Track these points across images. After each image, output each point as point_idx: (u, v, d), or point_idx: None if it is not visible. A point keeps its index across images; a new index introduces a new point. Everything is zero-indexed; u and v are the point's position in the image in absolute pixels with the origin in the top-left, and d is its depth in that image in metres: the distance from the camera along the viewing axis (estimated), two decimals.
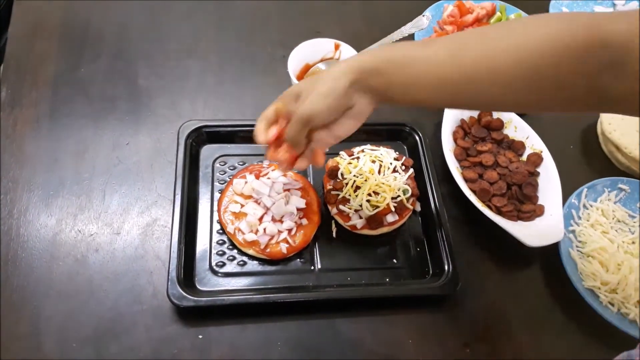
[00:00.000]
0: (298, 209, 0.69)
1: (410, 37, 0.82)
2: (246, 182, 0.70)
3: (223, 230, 0.68)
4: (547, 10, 1.03)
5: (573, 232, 0.74)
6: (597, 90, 0.43)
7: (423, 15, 0.80)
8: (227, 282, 0.65)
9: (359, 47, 0.82)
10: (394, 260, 0.70)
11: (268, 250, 0.66)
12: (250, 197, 0.69)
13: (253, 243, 0.66)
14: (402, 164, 0.74)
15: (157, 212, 0.70)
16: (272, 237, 0.66)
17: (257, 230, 0.66)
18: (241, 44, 0.90)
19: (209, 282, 0.64)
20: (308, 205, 0.70)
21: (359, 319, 0.65)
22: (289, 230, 0.67)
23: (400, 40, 0.79)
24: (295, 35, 0.89)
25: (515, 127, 0.81)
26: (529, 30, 0.45)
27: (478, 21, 0.97)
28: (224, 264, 0.66)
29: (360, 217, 0.70)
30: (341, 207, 0.70)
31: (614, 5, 1.07)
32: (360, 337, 0.64)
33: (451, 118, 0.80)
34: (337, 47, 0.83)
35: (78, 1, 0.90)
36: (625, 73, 0.40)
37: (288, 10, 0.97)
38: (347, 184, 0.71)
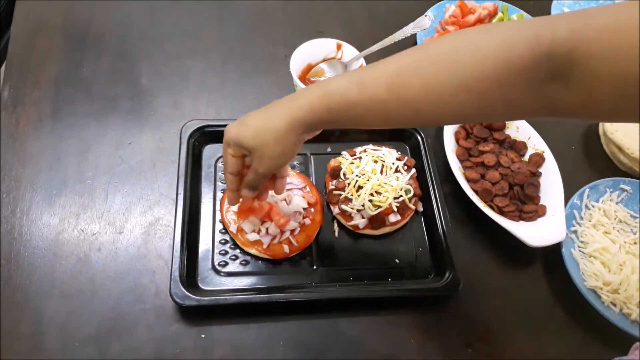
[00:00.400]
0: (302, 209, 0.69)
1: (413, 37, 0.82)
2: None
3: (225, 230, 0.68)
4: (549, 10, 1.03)
5: (575, 232, 0.74)
6: (547, 102, 0.41)
7: (425, 16, 0.80)
8: (230, 281, 0.65)
9: (361, 47, 0.82)
10: (396, 260, 0.70)
11: (270, 250, 0.66)
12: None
13: (255, 243, 0.66)
14: (405, 164, 0.74)
15: (160, 211, 0.70)
16: (275, 237, 0.66)
17: (260, 230, 0.66)
18: (243, 43, 0.90)
19: (211, 282, 0.64)
20: (310, 205, 0.70)
21: (360, 318, 0.65)
22: (292, 230, 0.67)
23: (401, 40, 0.79)
24: (297, 35, 0.89)
25: (517, 127, 0.81)
26: (468, 53, 0.43)
27: (480, 21, 0.97)
28: (226, 264, 0.66)
29: (363, 217, 0.70)
30: (343, 206, 0.70)
31: None
32: (362, 337, 0.64)
33: None
34: (339, 47, 0.83)
35: (80, 0, 0.90)
36: (573, 82, 0.39)
37: (290, 9, 0.97)
38: (349, 183, 0.71)
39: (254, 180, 0.58)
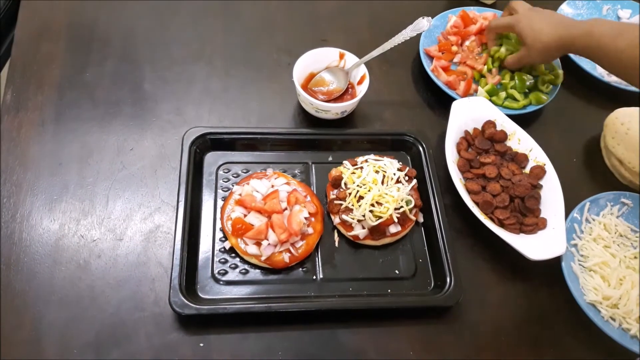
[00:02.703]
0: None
1: (412, 40, 0.82)
2: (247, 184, 0.70)
3: (226, 238, 0.68)
4: None
5: (575, 245, 0.74)
6: None
7: (423, 18, 0.80)
8: (229, 290, 0.65)
9: (364, 54, 0.82)
10: (396, 271, 0.70)
11: (270, 259, 0.66)
12: (254, 208, 0.68)
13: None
14: (406, 175, 0.74)
15: (160, 218, 0.70)
16: (275, 246, 0.66)
17: (261, 244, 0.66)
18: (247, 50, 0.91)
19: (211, 290, 0.64)
20: (311, 214, 0.70)
21: (360, 329, 0.65)
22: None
23: (400, 44, 0.80)
24: (300, 43, 0.89)
25: (519, 139, 0.81)
26: None
27: (481, 31, 0.98)
28: (226, 272, 0.66)
29: (363, 227, 0.70)
30: (344, 216, 0.70)
31: (618, 18, 1.08)
32: (361, 348, 0.64)
33: (455, 129, 0.80)
34: (341, 56, 0.84)
35: (85, 3, 0.90)
36: None
37: (294, 17, 0.97)
38: (350, 193, 0.71)
39: (517, 62, 0.86)
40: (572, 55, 0.97)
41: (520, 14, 0.83)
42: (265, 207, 0.67)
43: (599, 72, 0.97)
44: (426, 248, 0.73)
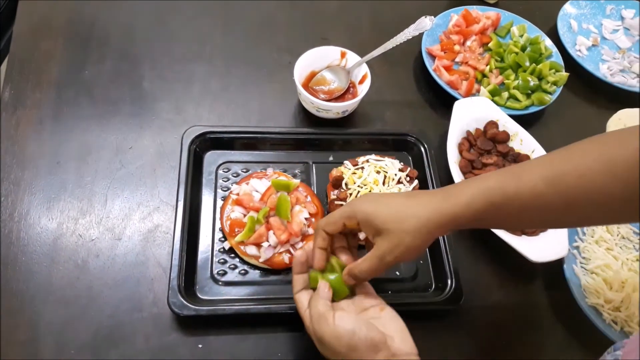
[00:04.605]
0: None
1: (414, 39, 0.81)
2: (247, 183, 0.70)
3: (225, 238, 0.67)
4: (555, 19, 1.02)
5: (577, 248, 0.73)
6: None
7: (425, 17, 0.80)
8: (228, 291, 0.64)
9: (366, 53, 0.81)
10: (397, 273, 0.69)
11: (270, 260, 0.65)
12: (252, 208, 0.68)
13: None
14: (407, 175, 0.73)
15: (159, 218, 0.69)
16: (275, 247, 0.65)
17: (261, 246, 0.65)
18: (248, 49, 0.90)
19: (210, 291, 0.64)
20: (311, 215, 0.69)
21: None
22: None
23: (402, 43, 0.79)
24: (301, 41, 0.89)
25: (521, 140, 0.81)
26: (614, 145, 0.45)
27: (484, 31, 0.97)
28: (225, 273, 0.66)
29: None
30: None
31: (622, 18, 1.07)
32: None
33: (457, 129, 0.80)
34: (343, 55, 0.83)
35: (84, 1, 0.89)
36: None
37: (295, 15, 0.97)
38: (351, 194, 0.70)
39: (374, 269, 0.51)
40: (574, 55, 0.97)
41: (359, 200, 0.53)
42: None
43: (601, 72, 0.97)
44: (427, 250, 0.72)
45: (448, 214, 0.48)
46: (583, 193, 0.45)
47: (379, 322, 0.50)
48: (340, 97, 0.82)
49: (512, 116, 0.82)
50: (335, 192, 0.72)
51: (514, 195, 0.47)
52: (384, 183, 0.71)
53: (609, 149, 0.45)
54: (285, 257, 0.65)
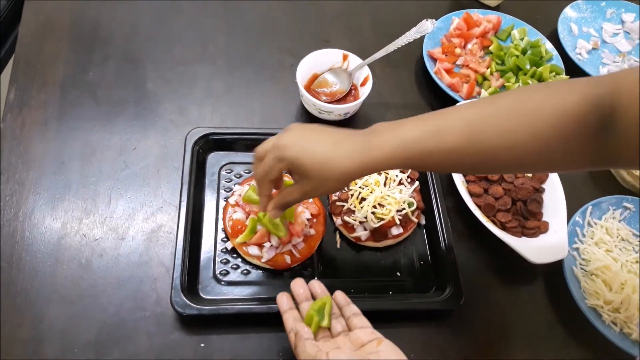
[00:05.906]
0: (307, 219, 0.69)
1: (416, 42, 0.82)
2: (249, 184, 0.70)
3: (227, 238, 0.68)
4: (555, 22, 1.03)
5: (577, 249, 0.74)
6: (598, 150, 0.45)
7: (427, 20, 0.80)
8: (231, 290, 0.65)
9: (367, 56, 0.82)
10: (398, 273, 0.70)
11: (272, 260, 0.66)
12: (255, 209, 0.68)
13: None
14: (408, 177, 0.74)
15: (163, 218, 0.70)
16: (277, 247, 0.66)
17: (263, 246, 0.66)
18: (250, 51, 0.91)
19: (212, 290, 0.64)
20: (313, 215, 0.70)
21: None
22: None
23: (403, 45, 0.80)
24: (304, 43, 0.90)
25: None
26: (538, 104, 0.47)
27: (485, 34, 0.98)
28: (227, 273, 0.66)
29: (365, 229, 0.70)
30: (346, 218, 0.70)
31: (622, 22, 1.08)
32: None
33: None
34: (345, 57, 0.84)
35: (88, 2, 0.90)
36: (616, 130, 0.43)
37: (297, 18, 0.97)
38: (352, 195, 0.71)
39: (294, 201, 0.57)
40: (575, 59, 0.98)
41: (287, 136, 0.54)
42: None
43: (601, 74, 0.97)
44: (428, 250, 0.73)
45: (369, 166, 0.51)
46: (502, 150, 0.48)
47: (377, 356, 0.51)
48: (342, 99, 0.83)
49: None
50: (337, 193, 0.72)
51: (432, 152, 0.49)
52: (385, 184, 0.72)
53: (531, 106, 0.48)
54: (287, 258, 0.66)
